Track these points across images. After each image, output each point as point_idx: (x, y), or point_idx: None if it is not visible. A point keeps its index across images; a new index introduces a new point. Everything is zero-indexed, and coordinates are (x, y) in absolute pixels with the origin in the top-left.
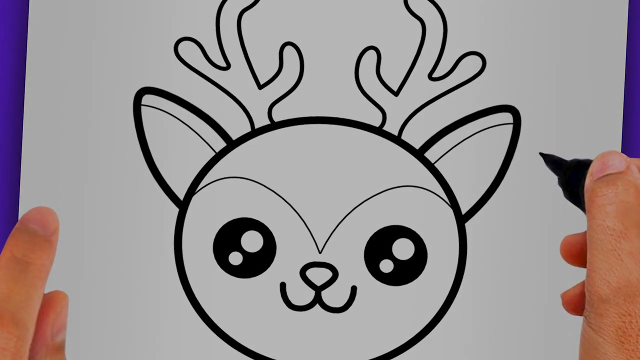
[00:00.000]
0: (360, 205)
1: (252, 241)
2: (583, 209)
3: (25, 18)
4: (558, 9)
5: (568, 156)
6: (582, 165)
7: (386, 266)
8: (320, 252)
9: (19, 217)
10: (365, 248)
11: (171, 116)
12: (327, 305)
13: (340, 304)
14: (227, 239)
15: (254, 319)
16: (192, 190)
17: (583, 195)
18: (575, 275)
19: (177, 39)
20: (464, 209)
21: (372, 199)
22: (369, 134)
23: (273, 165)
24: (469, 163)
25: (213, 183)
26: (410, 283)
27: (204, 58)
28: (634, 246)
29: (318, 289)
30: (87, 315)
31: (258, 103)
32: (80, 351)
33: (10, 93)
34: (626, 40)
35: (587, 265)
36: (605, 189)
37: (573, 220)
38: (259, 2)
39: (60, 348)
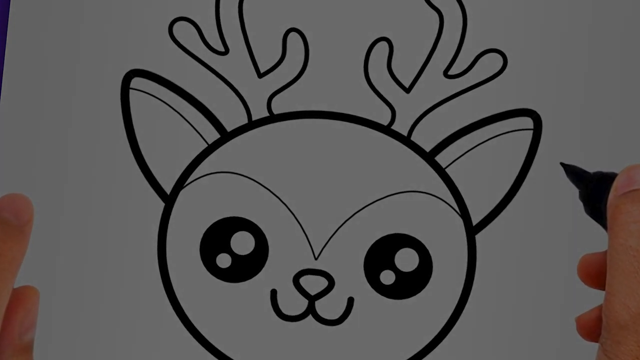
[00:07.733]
0: (362, 210)
1: (242, 243)
2: (605, 226)
3: None
4: (587, 6)
5: (591, 168)
6: (605, 179)
7: (387, 277)
8: (316, 259)
9: None
10: (365, 257)
11: (162, 102)
12: (320, 317)
13: (335, 315)
14: (215, 239)
15: (241, 328)
16: (180, 184)
17: (605, 212)
18: (593, 298)
19: (172, 19)
20: (475, 220)
21: (376, 204)
22: (376, 132)
23: (270, 161)
24: (483, 170)
25: (203, 177)
26: (413, 297)
27: (200, 41)
28: None
29: (312, 299)
30: (59, 314)
31: (257, 93)
32: (50, 353)
33: None
34: None
35: (606, 287)
36: (630, 206)
37: (593, 238)
38: None
39: (27, 348)
